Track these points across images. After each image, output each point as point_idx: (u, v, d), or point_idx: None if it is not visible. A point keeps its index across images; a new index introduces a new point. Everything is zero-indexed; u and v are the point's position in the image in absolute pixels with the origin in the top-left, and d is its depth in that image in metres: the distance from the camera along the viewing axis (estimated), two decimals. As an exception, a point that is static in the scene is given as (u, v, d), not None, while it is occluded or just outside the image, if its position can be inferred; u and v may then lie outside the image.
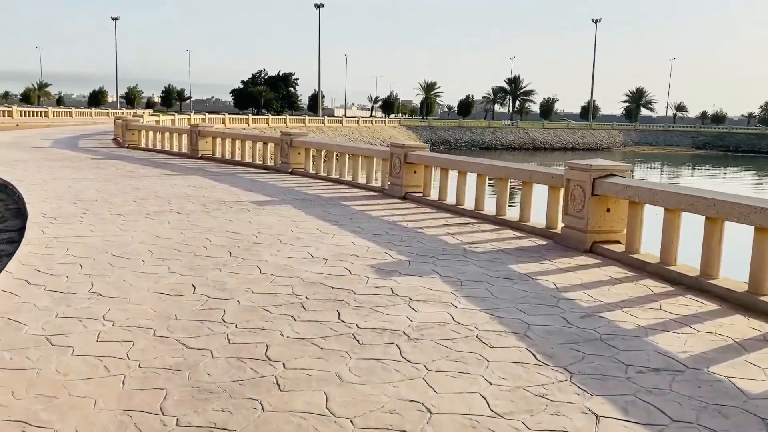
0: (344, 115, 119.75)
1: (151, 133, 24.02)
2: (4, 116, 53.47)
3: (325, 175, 15.92)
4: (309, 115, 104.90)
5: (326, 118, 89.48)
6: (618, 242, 8.19)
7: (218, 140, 20.56)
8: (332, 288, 6.11)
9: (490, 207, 10.75)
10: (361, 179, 14.75)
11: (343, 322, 5.15)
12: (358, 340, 4.73)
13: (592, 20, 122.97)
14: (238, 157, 19.66)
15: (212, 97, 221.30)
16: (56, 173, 15.25)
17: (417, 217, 10.55)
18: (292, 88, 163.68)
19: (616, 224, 8.22)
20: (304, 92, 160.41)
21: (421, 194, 12.55)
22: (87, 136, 31.50)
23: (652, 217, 7.82)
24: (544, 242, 8.67)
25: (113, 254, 7.30)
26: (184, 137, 22.18)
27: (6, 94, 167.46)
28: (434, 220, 10.22)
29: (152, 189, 13.02)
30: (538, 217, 9.77)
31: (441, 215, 10.79)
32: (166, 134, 23.28)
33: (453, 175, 11.72)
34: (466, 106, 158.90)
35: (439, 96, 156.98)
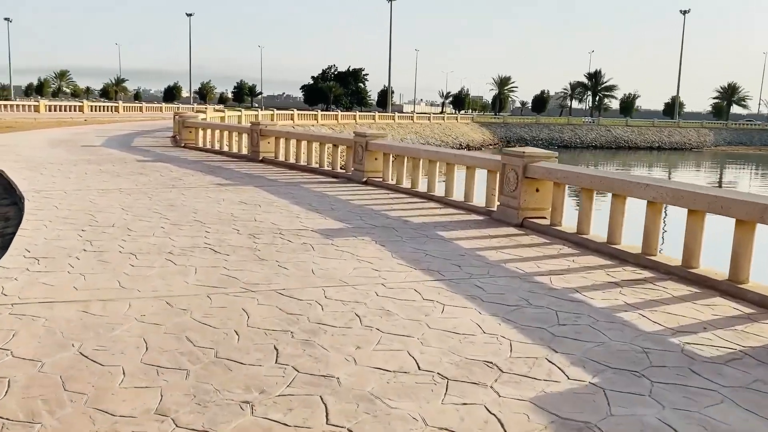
0: (413, 112, 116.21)
1: (208, 132, 21.44)
2: (74, 111, 53.09)
3: (409, 187, 12.66)
4: (378, 111, 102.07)
5: (396, 114, 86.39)
6: None
7: (281, 141, 17.66)
8: (482, 494, 2.83)
9: (669, 250, 7.23)
10: (457, 195, 11.42)
11: None
12: None
13: (680, 11, 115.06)
14: (303, 161, 16.69)
15: (283, 93, 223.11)
16: (86, 181, 12.62)
17: (558, 263, 7.12)
18: (361, 84, 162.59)
19: None
20: (372, 88, 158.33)
21: (547, 222, 9.10)
22: (146, 133, 29.44)
23: None
24: (805, 332, 5.09)
25: (79, 351, 4.27)
26: (245, 137, 19.44)
27: (87, 90, 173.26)
28: (589, 273, 6.75)
29: (192, 207, 10.11)
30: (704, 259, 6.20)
31: (592, 260, 7.31)
32: (225, 133, 20.60)
33: (601, 196, 8.24)
34: (540, 102, 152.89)
35: (513, 91, 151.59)
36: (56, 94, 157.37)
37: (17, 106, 49.06)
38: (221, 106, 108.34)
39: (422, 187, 12.44)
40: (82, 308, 5.13)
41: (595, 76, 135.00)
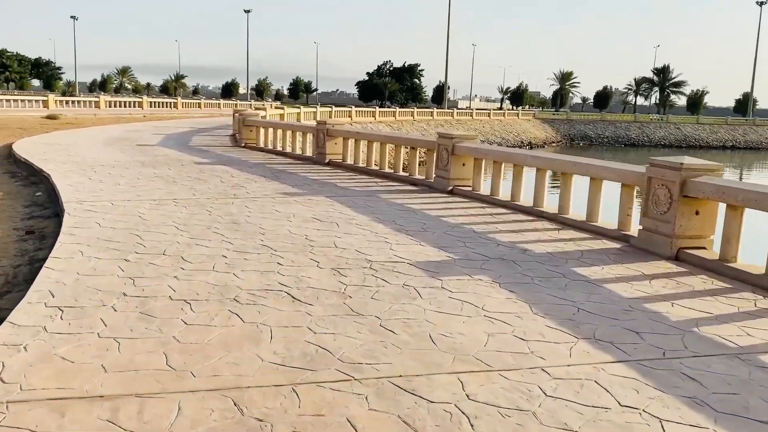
0: (469, 108, 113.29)
1: (270, 131, 19.85)
2: (134, 107, 52.97)
3: (508, 200, 10.65)
4: (435, 108, 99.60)
5: (455, 110, 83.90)
6: None
7: (350, 142, 15.89)
8: None
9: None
10: (573, 213, 9.37)
11: None
12: None
13: (757, 2, 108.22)
14: (375, 165, 14.88)
15: (337, 90, 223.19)
16: (138, 189, 11.10)
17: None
18: (416, 80, 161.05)
19: None
20: (427, 84, 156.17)
21: (712, 256, 6.98)
22: (205, 131, 28.24)
23: None
24: None
25: None
26: (309, 137, 17.79)
27: (148, 86, 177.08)
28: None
29: (258, 224, 8.39)
30: None
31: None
32: (288, 133, 18.97)
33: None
34: (603, 98, 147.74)
35: (575, 86, 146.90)
36: (118, 90, 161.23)
37: (79, 101, 49.12)
38: (278, 103, 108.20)
39: (525, 200, 10.42)
40: (108, 414, 3.38)
41: (663, 72, 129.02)
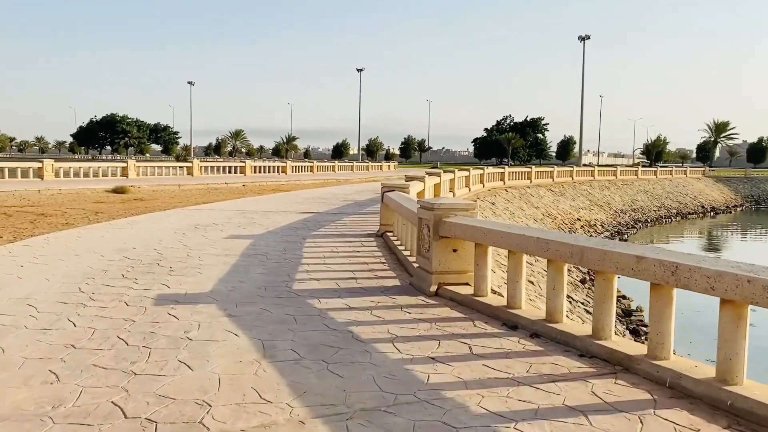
0: (597, 163, 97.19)
1: (519, 258, 7.09)
2: (234, 173, 42.98)
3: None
4: (559, 164, 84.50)
5: (618, 168, 68.82)
6: None
7: None
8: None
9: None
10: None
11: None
12: None
13: None
14: None
15: (443, 148, 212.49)
16: None
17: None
18: (540, 134, 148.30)
19: None
20: (551, 139, 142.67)
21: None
22: (325, 224, 16.01)
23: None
24: None
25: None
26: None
27: (261, 148, 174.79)
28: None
29: None
30: None
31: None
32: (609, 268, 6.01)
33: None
34: (758, 151, 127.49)
35: (733, 138, 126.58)
36: (233, 153, 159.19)
37: (167, 168, 39.64)
38: (394, 162, 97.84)
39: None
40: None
41: None
